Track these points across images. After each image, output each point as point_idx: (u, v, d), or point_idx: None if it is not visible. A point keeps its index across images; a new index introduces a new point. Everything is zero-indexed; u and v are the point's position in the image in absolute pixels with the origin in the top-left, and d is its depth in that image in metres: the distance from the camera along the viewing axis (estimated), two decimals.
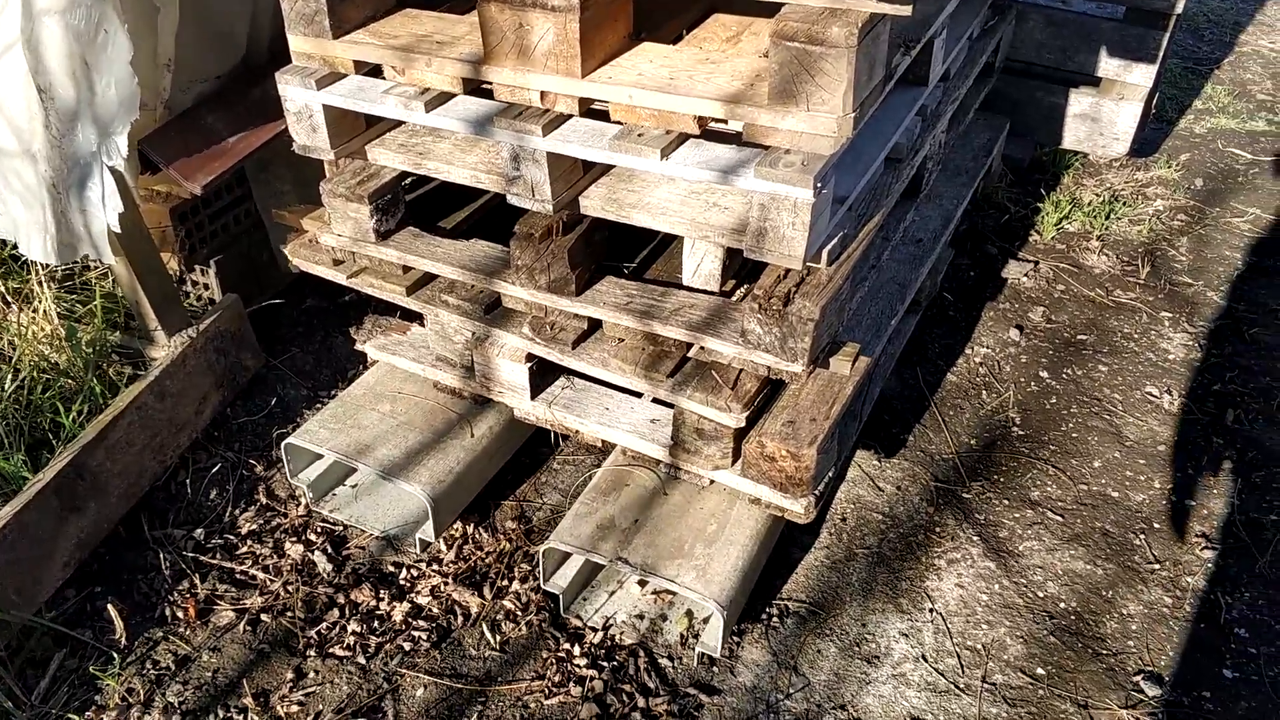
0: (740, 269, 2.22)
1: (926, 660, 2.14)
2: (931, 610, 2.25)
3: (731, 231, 1.91)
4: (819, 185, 1.75)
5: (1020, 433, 2.77)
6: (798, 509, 2.10)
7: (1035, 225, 3.67)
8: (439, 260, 2.24)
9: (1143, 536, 2.45)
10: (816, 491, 2.11)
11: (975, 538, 2.44)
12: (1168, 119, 4.33)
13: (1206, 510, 2.52)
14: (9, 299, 2.58)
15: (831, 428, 2.07)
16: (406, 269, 2.34)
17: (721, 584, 2.01)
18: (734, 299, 2.13)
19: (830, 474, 2.18)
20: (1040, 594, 2.30)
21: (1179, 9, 3.27)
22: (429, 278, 2.36)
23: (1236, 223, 3.69)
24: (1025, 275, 3.42)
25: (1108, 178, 3.94)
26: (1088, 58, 3.47)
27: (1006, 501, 2.55)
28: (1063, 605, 2.28)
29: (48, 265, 2.55)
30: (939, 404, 2.86)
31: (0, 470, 2.17)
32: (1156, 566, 2.38)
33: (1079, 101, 3.58)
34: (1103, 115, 3.58)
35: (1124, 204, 3.75)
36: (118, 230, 2.23)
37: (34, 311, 2.49)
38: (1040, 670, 2.13)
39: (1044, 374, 2.99)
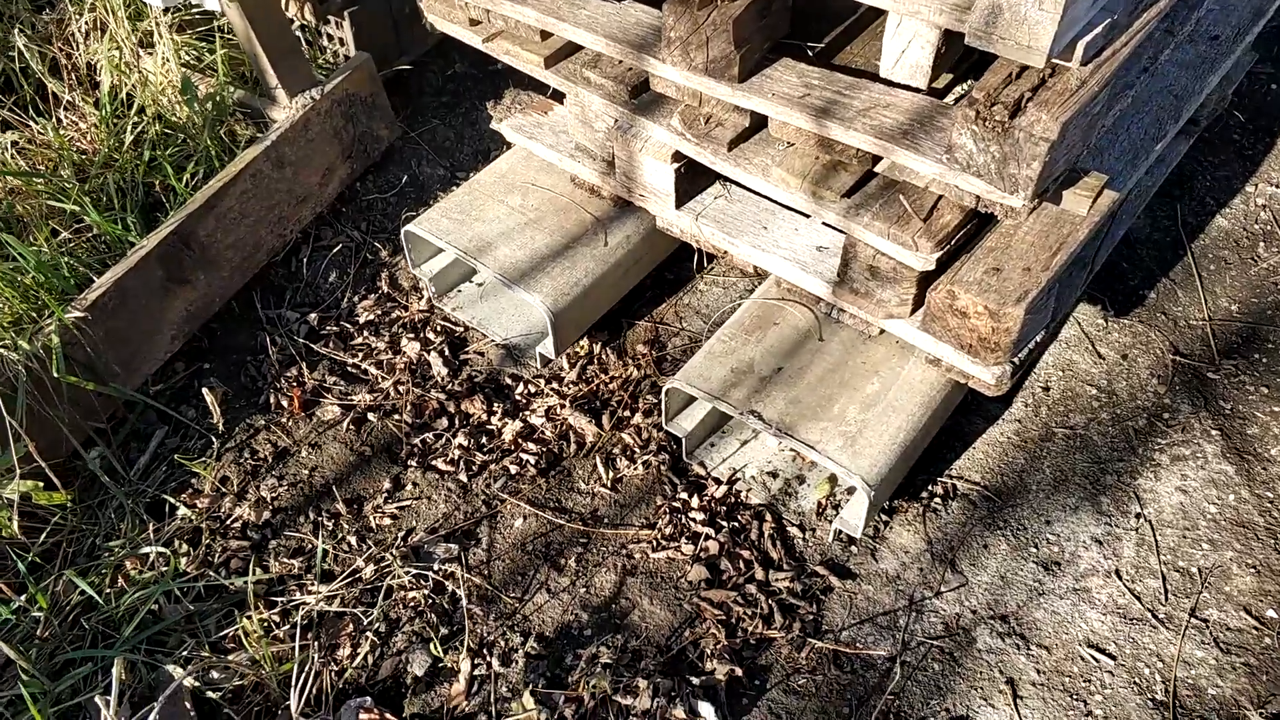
0: (960, 62, 1.70)
1: (1121, 578, 1.73)
2: (1139, 516, 1.82)
3: (953, 7, 1.41)
4: None
5: None
6: (987, 378, 1.68)
7: None
8: (581, 26, 1.84)
9: None
10: (1016, 359, 1.68)
11: (1214, 431, 1.93)
12: None
13: None
14: (141, 47, 2.39)
15: (1050, 282, 1.60)
16: (545, 35, 1.96)
17: (874, 459, 1.65)
18: (945, 101, 1.63)
19: (1038, 338, 1.72)
20: None
21: None
22: (572, 48, 1.97)
23: None
24: None
25: None
26: None
27: (1265, 390, 2.00)
28: None
29: (167, 10, 2.33)
30: (1198, 255, 2.26)
31: (105, 232, 2.04)
32: None
33: None
34: None
35: None
36: None
37: (152, 58, 2.29)
38: (1271, 613, 1.68)
39: None
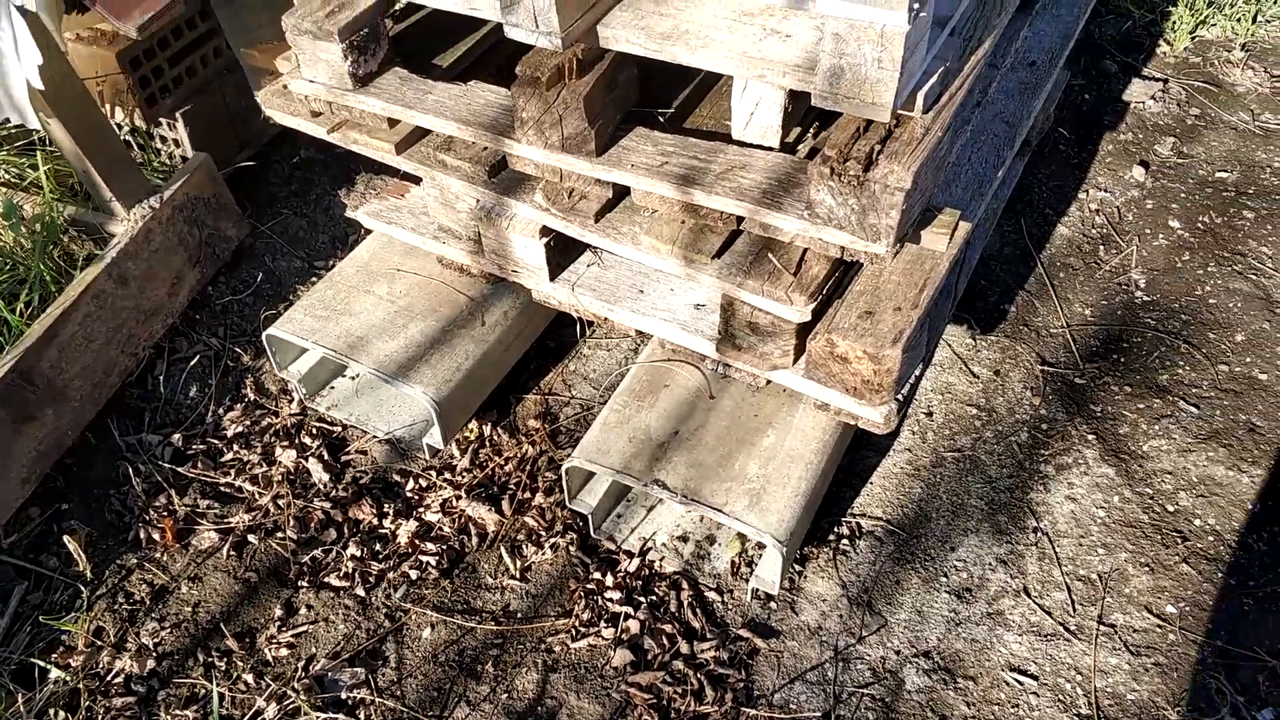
0: (807, 113, 1.74)
1: (1030, 595, 1.78)
2: (1036, 530, 1.88)
3: (796, 69, 1.44)
4: (915, 6, 1.25)
5: (1145, 299, 2.29)
6: (876, 418, 1.71)
7: (1164, 33, 3.02)
8: (430, 112, 1.80)
9: None
10: (900, 395, 1.71)
11: (1090, 436, 2.02)
12: None
13: None
14: None
15: (921, 319, 1.64)
16: (393, 121, 1.91)
17: (780, 513, 1.65)
18: (800, 154, 1.66)
19: (917, 371, 1.77)
20: (1170, 508, 1.90)
21: None
22: (424, 132, 1.93)
23: None
24: (1152, 97, 2.83)
25: None
26: None
27: (1129, 388, 2.11)
28: (1198, 523, 1.88)
29: None
30: (1047, 265, 2.38)
31: None
32: None
33: None
34: None
35: (1277, 2, 3.06)
36: (40, 87, 1.82)
37: None
38: (1170, 608, 1.76)
39: (1174, 223, 2.47)
